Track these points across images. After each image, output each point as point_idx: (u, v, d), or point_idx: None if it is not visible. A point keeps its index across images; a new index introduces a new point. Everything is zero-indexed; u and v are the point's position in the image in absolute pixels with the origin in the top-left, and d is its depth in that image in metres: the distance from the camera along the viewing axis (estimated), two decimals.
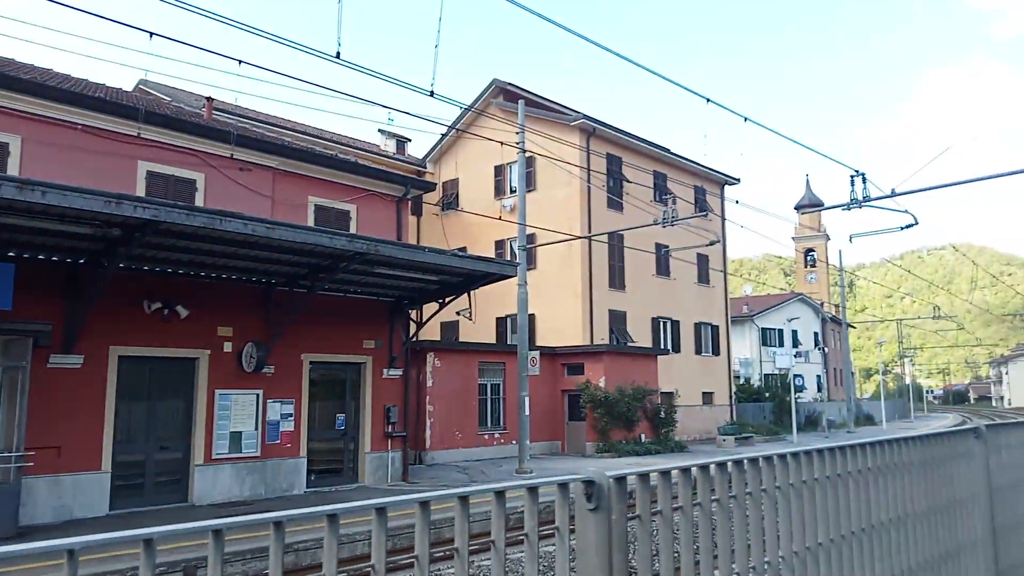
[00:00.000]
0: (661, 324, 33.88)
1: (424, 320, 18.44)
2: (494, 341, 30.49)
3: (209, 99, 22.07)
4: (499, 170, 32.75)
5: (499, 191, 32.88)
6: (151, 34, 9.08)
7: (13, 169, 15.61)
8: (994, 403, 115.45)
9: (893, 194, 16.36)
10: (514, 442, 22.04)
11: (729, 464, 1.82)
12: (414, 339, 19.12)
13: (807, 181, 78.34)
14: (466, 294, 17.80)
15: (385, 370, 17.75)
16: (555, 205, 30.31)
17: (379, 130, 35.93)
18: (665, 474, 1.64)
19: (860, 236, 18.32)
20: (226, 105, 24.05)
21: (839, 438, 3.25)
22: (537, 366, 22.67)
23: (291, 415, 15.87)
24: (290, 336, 15.57)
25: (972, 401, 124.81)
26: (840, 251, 43.59)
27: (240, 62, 11.52)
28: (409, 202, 23.08)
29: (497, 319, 31.01)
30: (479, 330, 28.62)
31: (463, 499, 1.46)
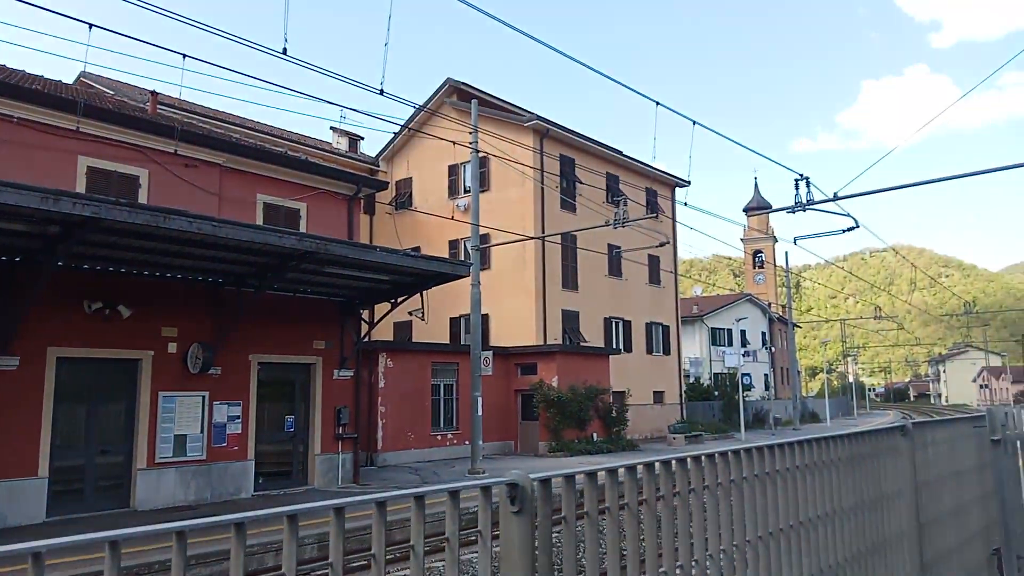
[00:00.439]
0: (613, 324, 34.21)
1: (376, 320, 18.29)
2: (448, 341, 30.39)
3: (154, 93, 21.51)
4: (453, 170, 32.68)
5: (453, 191, 32.80)
6: (90, 25, 8.82)
7: None
8: (932, 400, 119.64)
9: (835, 198, 16.79)
10: (467, 442, 22.01)
11: (657, 465, 1.85)
12: (366, 339, 18.94)
13: (755, 184, 79.93)
14: (419, 294, 17.72)
15: (336, 371, 17.55)
16: (509, 205, 30.37)
17: (331, 128, 35.50)
18: (591, 476, 1.66)
19: (804, 238, 18.79)
20: (172, 100, 23.47)
21: (785, 435, 3.35)
22: (490, 366, 22.68)
23: (238, 417, 15.57)
24: (238, 337, 15.27)
25: (912, 398, 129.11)
26: (787, 253, 44.66)
27: (184, 56, 11.26)
28: (361, 201, 22.85)
29: (451, 319, 30.93)
30: (433, 330, 28.49)
31: (419, 499, 1.46)
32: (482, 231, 22.88)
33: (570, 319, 31.43)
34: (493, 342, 28.31)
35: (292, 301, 16.64)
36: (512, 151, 27.52)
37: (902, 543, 3.24)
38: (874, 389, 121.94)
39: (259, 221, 19.18)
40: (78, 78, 25.62)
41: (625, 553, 1.72)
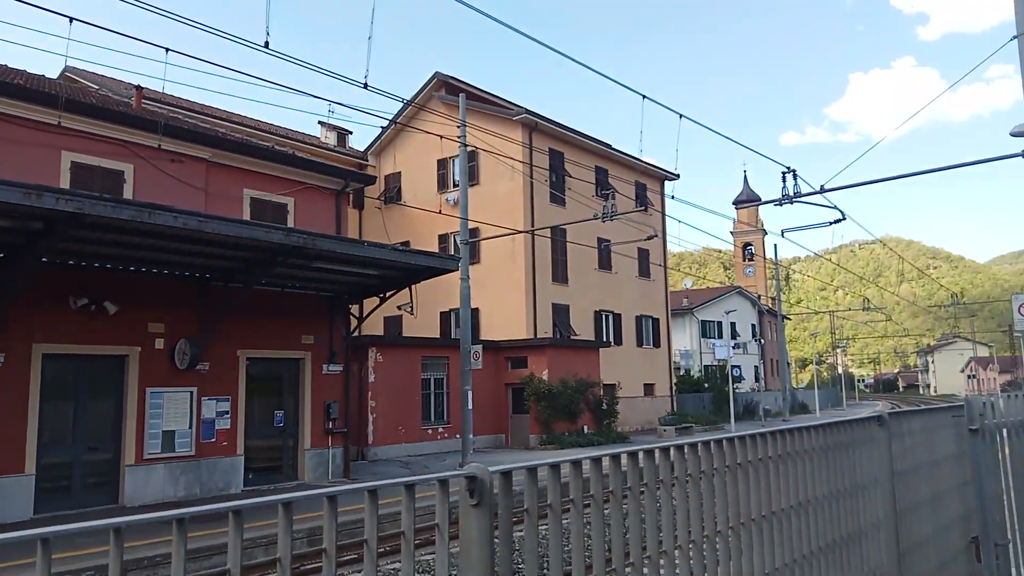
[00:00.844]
0: (603, 317, 34.27)
1: (365, 315, 18.26)
2: (438, 336, 30.39)
3: (139, 88, 21.33)
4: (442, 164, 32.60)
5: (442, 185, 32.73)
6: (71, 19, 8.74)
7: None
8: (921, 391, 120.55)
9: (822, 190, 16.84)
10: (458, 436, 22.03)
11: (623, 456, 1.85)
12: (355, 334, 18.91)
13: (745, 177, 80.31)
14: (408, 289, 17.69)
15: (325, 366, 17.51)
16: (498, 199, 30.34)
17: (319, 122, 35.35)
18: (555, 468, 1.66)
19: (791, 231, 18.90)
20: (157, 95, 23.28)
21: (775, 426, 3.38)
22: (480, 360, 22.68)
23: (227, 413, 15.52)
24: (225, 332, 15.21)
25: (901, 389, 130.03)
26: (776, 245, 44.85)
27: (167, 50, 11.18)
28: (350, 195, 22.77)
29: (441, 313, 30.91)
30: (423, 325, 28.48)
31: (372, 493, 1.46)
32: (472, 225, 22.85)
33: (560, 312, 31.46)
34: (483, 336, 28.32)
35: (280, 296, 16.58)
36: (501, 145, 27.47)
37: (878, 532, 3.25)
38: (863, 380, 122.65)
39: (246, 216, 19.09)
40: (62, 73, 25.38)
41: (591, 546, 1.72)
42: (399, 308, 18.78)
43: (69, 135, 16.79)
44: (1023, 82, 14.40)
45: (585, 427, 26.77)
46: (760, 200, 54.82)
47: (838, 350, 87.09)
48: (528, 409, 25.83)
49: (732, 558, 2.23)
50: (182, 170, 18.35)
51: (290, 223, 19.99)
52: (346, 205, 22.16)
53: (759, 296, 62.96)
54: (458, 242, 21.80)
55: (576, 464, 1.72)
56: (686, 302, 52.10)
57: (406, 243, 29.26)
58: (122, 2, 8.61)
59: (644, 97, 13.66)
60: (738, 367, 46.61)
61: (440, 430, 24.18)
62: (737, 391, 41.38)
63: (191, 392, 14.97)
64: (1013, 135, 13.12)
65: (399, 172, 34.41)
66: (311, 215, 20.35)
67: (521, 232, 27.95)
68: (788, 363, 58.39)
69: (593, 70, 12.89)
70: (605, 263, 34.55)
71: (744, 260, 72.66)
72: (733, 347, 38.86)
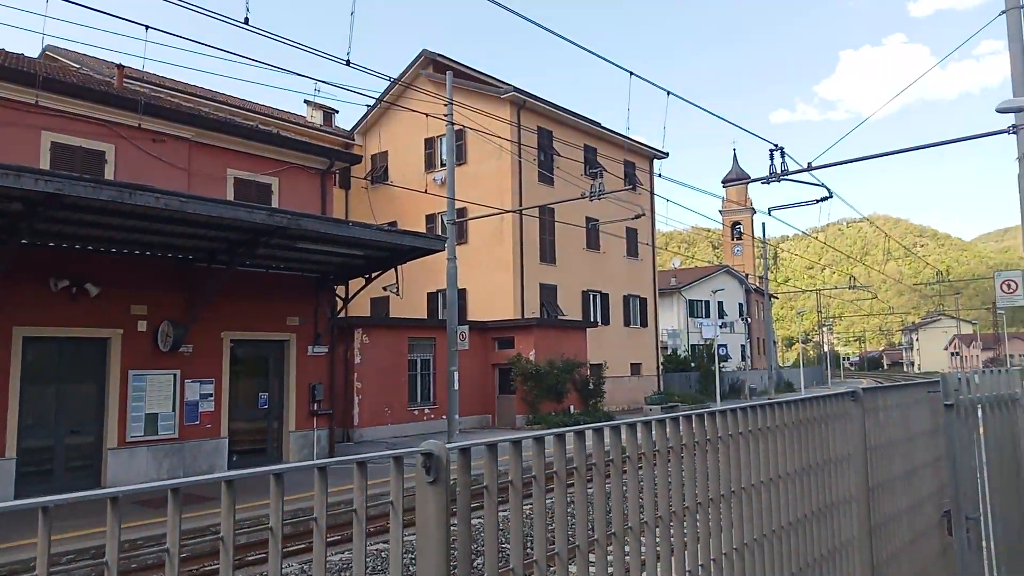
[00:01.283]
0: (591, 297, 34.32)
1: (351, 296, 18.18)
2: (425, 316, 30.35)
3: (120, 67, 21.01)
4: (429, 143, 32.38)
5: (429, 164, 32.53)
6: None
7: None
8: (906, 368, 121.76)
9: (809, 168, 16.84)
10: (445, 417, 22.08)
11: (588, 433, 1.84)
12: (341, 315, 18.84)
13: (734, 155, 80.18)
14: (394, 269, 17.62)
15: (310, 347, 17.46)
16: (486, 179, 30.20)
17: (305, 101, 34.98)
18: (516, 444, 1.64)
19: (778, 209, 18.84)
20: (139, 73, 22.94)
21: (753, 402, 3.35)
22: (467, 341, 22.68)
23: (211, 395, 15.46)
24: (209, 313, 15.11)
25: (886, 367, 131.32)
26: (764, 224, 44.83)
27: (148, 28, 10.99)
28: (335, 175, 22.61)
29: (428, 294, 30.86)
30: (409, 305, 28.43)
31: (321, 470, 1.45)
32: (459, 205, 22.75)
33: (548, 292, 31.47)
34: (470, 317, 28.31)
35: (265, 277, 16.48)
36: (489, 124, 27.30)
37: (851, 507, 3.28)
38: (848, 358, 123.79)
39: (230, 196, 18.92)
40: (43, 52, 24.95)
41: (552, 520, 1.71)
42: (385, 289, 18.71)
43: (49, 115, 16.54)
44: (1010, 57, 14.40)
45: (571, 407, 26.89)
46: (749, 178, 54.83)
47: (824, 328, 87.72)
48: (515, 389, 25.90)
49: (700, 532, 2.23)
50: (164, 150, 18.14)
51: (274, 203, 19.85)
52: (332, 185, 21.99)
53: (747, 275, 63.20)
54: (445, 222, 21.70)
55: (540, 441, 1.71)
56: (674, 281, 52.24)
57: (393, 223, 29.11)
58: None
59: (631, 74, 13.56)
60: (725, 346, 46.90)
61: (427, 411, 24.22)
62: (723, 370, 41.67)
63: (174, 374, 14.90)
64: (999, 111, 13.11)
65: (386, 151, 34.16)
66: (296, 195, 20.20)
67: (509, 212, 27.86)
68: (774, 342, 58.78)
69: (580, 46, 12.78)
70: (593, 243, 34.54)
71: (732, 239, 72.83)
72: (720, 326, 39.08)
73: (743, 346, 57.44)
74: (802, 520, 2.82)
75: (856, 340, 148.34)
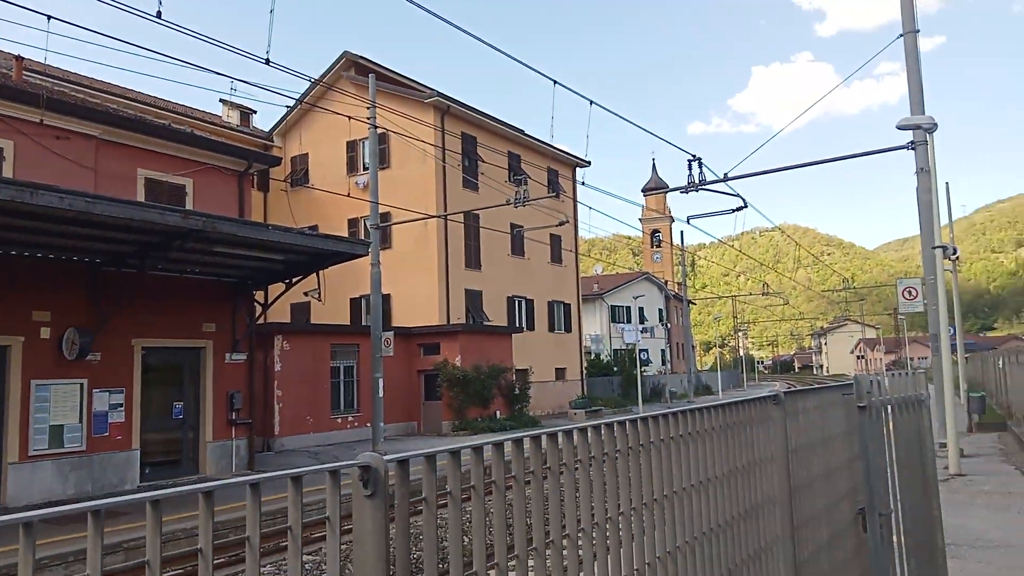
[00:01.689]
0: (516, 303, 34.48)
1: (270, 302, 17.69)
2: (348, 322, 29.83)
3: (19, 58, 19.82)
4: (352, 146, 31.88)
5: (352, 168, 32.03)
6: None
7: None
8: (815, 371, 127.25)
9: (726, 178, 17.41)
10: (369, 425, 21.72)
11: (526, 441, 1.82)
12: (260, 321, 18.30)
13: (653, 164, 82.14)
14: (316, 274, 17.24)
15: (228, 354, 16.87)
16: (410, 183, 29.94)
17: (221, 101, 33.87)
18: (455, 454, 1.61)
19: (697, 217, 19.42)
20: (40, 66, 21.71)
21: (679, 407, 3.43)
22: (392, 347, 22.40)
23: (121, 405, 14.73)
24: (119, 320, 14.41)
25: (797, 370, 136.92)
26: (682, 232, 46.35)
27: (49, 18, 10.44)
28: (253, 177, 21.97)
29: (351, 300, 30.34)
30: (332, 311, 27.88)
31: (254, 487, 1.37)
32: (383, 209, 22.47)
33: (473, 298, 31.44)
34: (395, 323, 27.99)
35: (179, 282, 15.84)
36: (413, 128, 27.09)
37: (774, 507, 3.37)
38: (762, 362, 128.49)
39: (141, 197, 18.12)
40: None
41: (492, 530, 1.68)
42: (306, 294, 18.30)
43: None
44: (908, 77, 15.25)
45: (498, 412, 26.92)
46: (668, 187, 56.23)
47: (739, 333, 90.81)
48: (440, 396, 25.73)
49: (635, 537, 2.24)
50: (69, 148, 17.22)
51: (189, 205, 19.12)
52: (249, 187, 21.37)
53: (666, 281, 64.82)
54: (368, 226, 21.39)
55: (478, 450, 1.68)
56: (596, 288, 53.06)
57: (314, 227, 28.51)
58: None
59: (555, 83, 13.72)
60: (646, 351, 47.89)
61: (350, 419, 23.78)
62: (645, 374, 42.54)
63: (81, 384, 14.12)
64: (899, 128, 13.88)
65: (306, 153, 33.44)
66: (212, 197, 19.51)
67: (433, 217, 27.71)
68: (693, 346, 60.46)
69: (505, 54, 12.85)
70: (518, 249, 34.72)
71: (652, 246, 74.56)
72: (641, 331, 39.88)
73: (663, 351, 58.84)
74: (730, 522, 2.88)
75: (769, 344, 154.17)
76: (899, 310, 20.03)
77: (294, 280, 17.03)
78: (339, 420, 23.44)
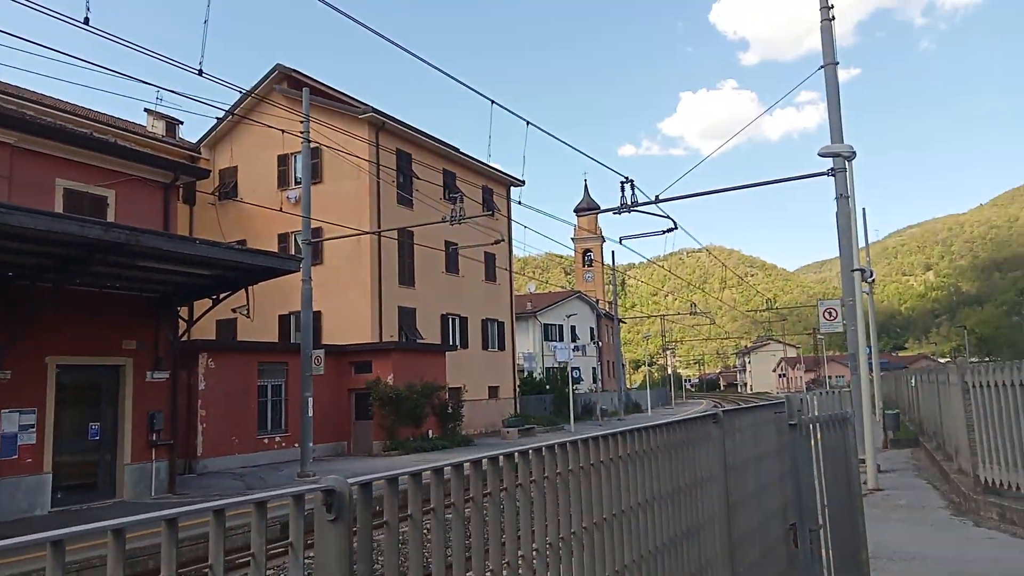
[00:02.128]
0: (450, 320, 34.34)
1: (196, 318, 17.13)
2: (276, 340, 29.12)
3: None
4: (283, 160, 31.30)
5: (283, 182, 31.43)
6: None
7: None
8: (739, 389, 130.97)
9: (657, 200, 17.84)
10: (297, 445, 21.17)
11: (484, 461, 1.82)
12: (184, 338, 17.69)
13: (585, 185, 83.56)
14: (244, 290, 16.78)
15: (149, 373, 16.22)
16: (343, 199, 29.57)
17: (145, 110, 32.79)
18: (416, 476, 1.59)
19: (628, 238, 19.80)
20: None
21: (611, 425, 3.45)
22: (322, 365, 21.96)
23: (32, 426, 13.96)
24: (32, 337, 13.69)
25: (722, 388, 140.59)
26: (613, 252, 47.19)
27: None
28: (180, 190, 21.30)
29: (280, 316, 29.65)
30: (260, 329, 27.15)
31: (218, 512, 1.31)
32: (315, 225, 22.09)
33: (407, 316, 31.16)
34: (326, 340, 27.46)
35: (98, 297, 15.17)
36: (347, 143, 26.81)
37: (714, 525, 3.44)
38: (690, 380, 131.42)
39: (59, 208, 17.31)
40: None
41: (451, 553, 1.67)
42: (234, 311, 17.77)
43: None
44: (828, 106, 16.01)
45: (430, 431, 26.66)
46: (600, 208, 57.19)
47: (668, 352, 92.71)
48: (372, 415, 25.33)
49: (586, 557, 2.26)
50: None
51: (110, 217, 18.35)
52: (175, 200, 20.66)
53: (597, 300, 65.69)
54: (299, 242, 20.99)
55: (438, 472, 1.67)
56: (530, 306, 53.36)
57: (242, 242, 27.79)
58: None
59: (492, 102, 13.81)
60: (577, 369, 48.30)
61: (277, 439, 23.15)
62: (577, 392, 42.92)
63: None
64: (821, 155, 14.52)
65: (236, 167, 32.65)
66: (135, 209, 18.78)
67: (367, 233, 27.40)
68: (623, 365, 61.37)
69: (442, 71, 12.86)
70: (452, 267, 34.64)
71: (584, 266, 75.54)
72: (573, 350, 40.32)
73: (594, 368, 59.51)
74: (674, 540, 2.93)
75: (696, 363, 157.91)
76: (820, 330, 20.83)
77: (222, 296, 16.55)
78: (266, 440, 22.78)
